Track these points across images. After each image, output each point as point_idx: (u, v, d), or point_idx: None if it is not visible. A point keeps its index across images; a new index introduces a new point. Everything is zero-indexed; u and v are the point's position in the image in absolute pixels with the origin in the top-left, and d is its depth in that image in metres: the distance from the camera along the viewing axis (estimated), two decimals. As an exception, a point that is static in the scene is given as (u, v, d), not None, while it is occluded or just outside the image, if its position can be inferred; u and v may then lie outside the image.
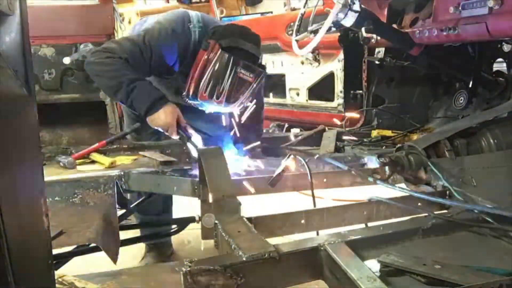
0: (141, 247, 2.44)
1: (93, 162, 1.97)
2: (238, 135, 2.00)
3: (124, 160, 1.99)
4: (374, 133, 2.29)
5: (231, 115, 2.01)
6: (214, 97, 1.81)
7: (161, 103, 1.79)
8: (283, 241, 1.10)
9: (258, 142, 2.04)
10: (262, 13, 5.44)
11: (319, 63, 2.96)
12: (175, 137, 1.85)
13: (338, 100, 2.78)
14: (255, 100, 2.01)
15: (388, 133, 2.25)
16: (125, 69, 1.79)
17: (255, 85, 1.84)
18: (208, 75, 1.79)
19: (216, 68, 1.78)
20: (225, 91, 1.79)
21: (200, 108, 1.92)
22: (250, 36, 1.89)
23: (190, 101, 1.89)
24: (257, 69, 1.82)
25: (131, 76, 1.78)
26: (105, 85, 1.87)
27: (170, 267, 1.09)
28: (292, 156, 1.59)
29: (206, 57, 1.81)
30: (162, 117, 1.79)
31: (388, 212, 1.43)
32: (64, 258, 1.60)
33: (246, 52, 1.82)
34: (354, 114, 2.58)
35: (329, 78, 2.85)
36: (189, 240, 2.67)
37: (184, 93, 1.89)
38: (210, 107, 1.90)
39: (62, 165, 1.86)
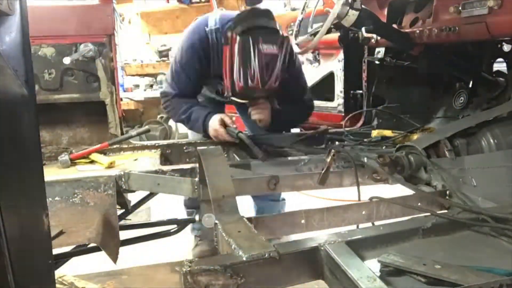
0: (142, 247, 2.44)
1: (92, 162, 1.98)
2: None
3: (124, 160, 1.99)
4: (374, 133, 2.28)
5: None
6: (249, 82, 1.84)
7: (208, 119, 2.00)
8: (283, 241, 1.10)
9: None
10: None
11: (319, 63, 2.96)
12: (230, 139, 1.98)
13: (338, 100, 2.78)
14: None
15: (388, 133, 2.25)
16: (178, 104, 2.10)
17: (283, 55, 1.86)
18: (237, 65, 1.84)
19: (241, 55, 1.82)
20: (257, 72, 1.81)
21: (247, 102, 2.03)
22: (260, 13, 1.93)
23: (234, 99, 2.00)
24: (278, 38, 1.84)
25: (184, 108, 2.07)
26: (177, 121, 2.24)
27: (170, 267, 1.09)
28: (333, 152, 1.58)
29: (228, 51, 1.86)
30: (211, 131, 2.01)
31: (388, 212, 1.43)
32: (64, 258, 1.60)
33: (262, 27, 1.85)
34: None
35: (329, 78, 2.84)
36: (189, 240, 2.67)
37: (226, 94, 1.99)
38: (254, 96, 1.97)
39: (61, 164, 1.89)
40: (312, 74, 3.02)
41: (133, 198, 2.13)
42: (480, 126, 1.64)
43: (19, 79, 0.63)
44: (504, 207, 1.29)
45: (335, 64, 2.77)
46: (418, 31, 1.94)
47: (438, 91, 2.50)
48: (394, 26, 2.12)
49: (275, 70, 1.84)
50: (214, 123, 1.98)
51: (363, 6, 1.82)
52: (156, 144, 2.24)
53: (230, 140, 1.97)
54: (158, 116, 6.11)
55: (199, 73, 2.08)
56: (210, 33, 2.03)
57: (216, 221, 1.22)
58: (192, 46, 2.05)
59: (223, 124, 1.98)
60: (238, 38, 1.81)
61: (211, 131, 2.00)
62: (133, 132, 2.20)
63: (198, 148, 1.51)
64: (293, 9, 4.29)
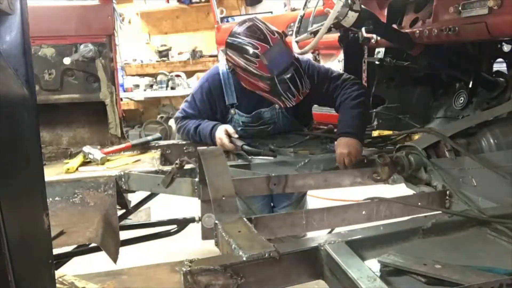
0: (141, 247, 2.44)
1: (90, 162, 1.98)
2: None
3: (124, 160, 1.99)
4: (375, 133, 2.29)
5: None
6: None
7: (214, 129, 2.13)
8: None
9: None
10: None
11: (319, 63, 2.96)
12: (232, 148, 2.08)
13: (338, 100, 2.77)
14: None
15: (389, 133, 2.25)
16: (188, 123, 2.22)
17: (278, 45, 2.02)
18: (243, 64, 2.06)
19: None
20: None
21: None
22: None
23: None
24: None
25: (194, 122, 2.21)
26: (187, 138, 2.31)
27: (170, 267, 1.09)
28: None
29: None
30: (217, 139, 2.11)
31: (388, 212, 1.43)
32: (64, 258, 1.60)
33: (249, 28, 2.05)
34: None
35: (329, 78, 2.84)
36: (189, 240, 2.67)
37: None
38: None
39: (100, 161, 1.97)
40: (312, 74, 3.02)
41: (133, 198, 2.14)
42: (480, 126, 1.64)
43: (19, 79, 0.63)
44: (504, 207, 1.30)
45: (335, 64, 2.77)
46: (418, 31, 1.93)
47: (438, 91, 2.50)
48: (394, 26, 2.12)
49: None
50: (219, 132, 2.10)
51: (362, 6, 1.82)
52: (156, 144, 2.25)
53: (232, 150, 2.09)
54: (158, 116, 6.11)
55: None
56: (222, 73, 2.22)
57: (216, 221, 1.22)
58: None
59: (227, 134, 2.09)
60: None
61: (216, 139, 2.11)
62: (149, 137, 2.30)
63: (198, 148, 1.51)
64: (293, 9, 4.29)
